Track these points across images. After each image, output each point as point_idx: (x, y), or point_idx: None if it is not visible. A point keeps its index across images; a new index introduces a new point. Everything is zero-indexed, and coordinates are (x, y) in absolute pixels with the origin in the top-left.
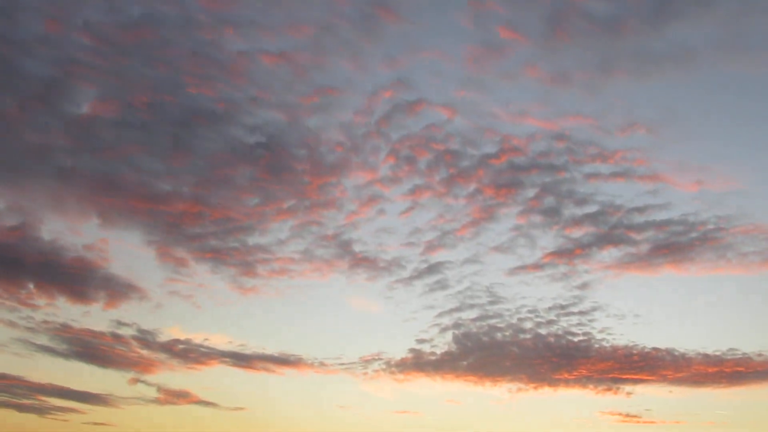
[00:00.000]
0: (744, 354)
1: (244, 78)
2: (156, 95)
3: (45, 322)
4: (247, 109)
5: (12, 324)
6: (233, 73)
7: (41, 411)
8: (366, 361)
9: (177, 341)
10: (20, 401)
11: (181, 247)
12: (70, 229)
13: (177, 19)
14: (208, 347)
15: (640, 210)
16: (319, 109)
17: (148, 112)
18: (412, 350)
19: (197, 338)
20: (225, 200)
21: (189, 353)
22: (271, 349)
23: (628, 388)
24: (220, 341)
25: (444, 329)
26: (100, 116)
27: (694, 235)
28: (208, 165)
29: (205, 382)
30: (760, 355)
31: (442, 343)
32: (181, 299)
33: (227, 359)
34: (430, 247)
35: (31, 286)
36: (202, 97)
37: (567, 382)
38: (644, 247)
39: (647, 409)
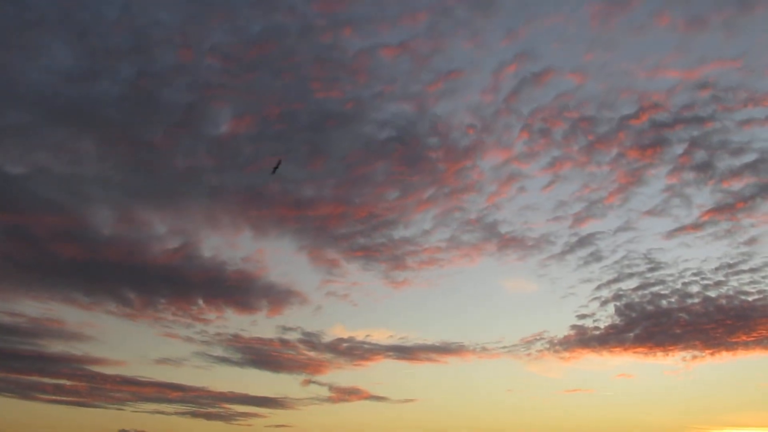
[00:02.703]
0: None
1: (367, 75)
2: (287, 105)
3: (218, 334)
4: (374, 105)
5: (189, 339)
6: (356, 72)
7: (226, 418)
8: (528, 342)
9: (341, 340)
10: (207, 410)
11: (331, 249)
12: (227, 244)
13: (296, 28)
14: (371, 343)
15: None
16: (445, 94)
17: (281, 122)
18: (573, 327)
19: (359, 335)
20: (366, 198)
21: (354, 350)
22: (431, 339)
23: None
24: (381, 336)
25: (604, 302)
26: (238, 133)
27: None
28: (345, 165)
29: (372, 377)
30: None
31: (605, 317)
32: (338, 299)
33: (391, 353)
34: (578, 218)
35: (200, 302)
36: (330, 100)
37: (747, 345)
38: None
39: None
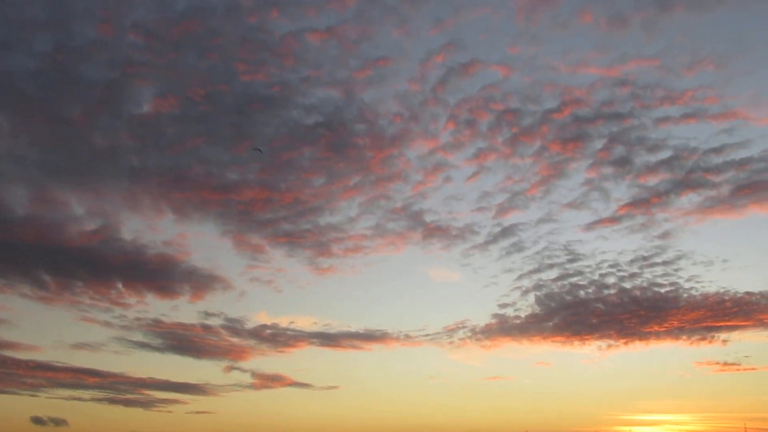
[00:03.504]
0: None
1: (294, 59)
2: (212, 86)
3: (137, 319)
4: (301, 90)
5: (108, 324)
6: (283, 55)
7: (146, 404)
8: (451, 330)
9: (264, 327)
10: (125, 396)
11: (255, 234)
12: (148, 227)
13: (222, 7)
14: (295, 330)
15: (716, 151)
16: (373, 82)
17: (206, 103)
18: (495, 315)
19: (283, 322)
20: (292, 183)
21: (277, 337)
22: (355, 327)
23: (723, 336)
24: (305, 323)
25: (525, 292)
26: (161, 113)
27: None
28: (270, 150)
29: (296, 364)
30: None
31: (525, 306)
32: (263, 285)
33: (315, 340)
34: (502, 209)
35: (120, 285)
36: (257, 83)
37: (658, 335)
38: (725, 189)
39: (746, 356)
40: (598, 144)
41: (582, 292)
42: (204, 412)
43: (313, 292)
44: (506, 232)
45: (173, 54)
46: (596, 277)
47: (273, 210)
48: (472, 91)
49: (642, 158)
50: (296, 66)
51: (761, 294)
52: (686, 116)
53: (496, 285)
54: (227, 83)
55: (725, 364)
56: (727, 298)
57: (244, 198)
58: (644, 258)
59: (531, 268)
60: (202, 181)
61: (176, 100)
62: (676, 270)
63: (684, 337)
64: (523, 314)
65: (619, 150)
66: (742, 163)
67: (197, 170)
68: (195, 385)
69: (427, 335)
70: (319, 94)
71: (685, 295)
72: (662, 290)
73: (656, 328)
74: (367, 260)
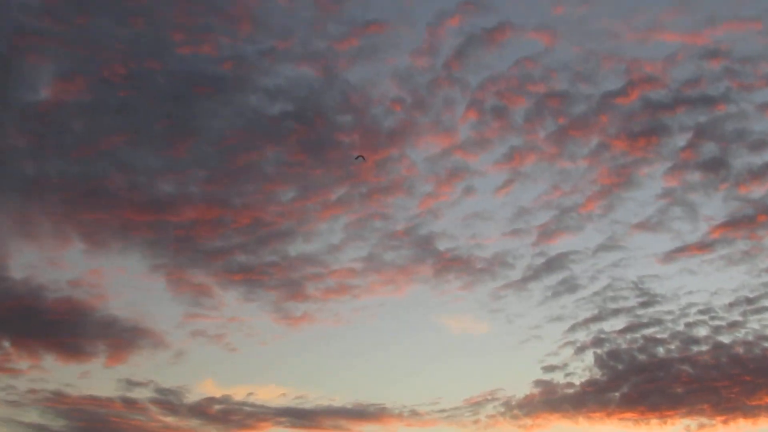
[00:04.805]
0: None
1: (252, 24)
2: (137, 63)
3: (32, 391)
4: (262, 67)
5: None
6: (237, 20)
7: None
8: (475, 404)
9: (212, 400)
10: None
11: (199, 270)
12: (47, 261)
13: None
14: (255, 405)
15: None
16: (362, 55)
17: (128, 87)
18: (539, 383)
19: (239, 393)
20: (250, 198)
21: (231, 415)
22: (341, 400)
23: None
24: (270, 395)
25: (581, 349)
26: (65, 101)
27: None
28: (220, 151)
29: None
30: None
31: (581, 369)
32: (210, 341)
33: (283, 418)
34: (546, 233)
35: (6, 344)
36: (200, 59)
37: None
38: None
39: None
40: (680, 140)
41: (661, 349)
42: None
43: (281, 350)
44: (552, 264)
45: (82, 19)
46: (681, 328)
47: (224, 235)
48: (501, 68)
49: (742, 159)
50: (255, 34)
51: None
52: None
53: (539, 339)
54: (159, 59)
55: None
56: None
57: (184, 219)
58: (749, 300)
59: (588, 315)
60: (125, 195)
61: (87, 82)
62: None
63: None
64: (577, 380)
65: (709, 148)
66: None
67: (117, 180)
68: None
69: (442, 411)
70: (288, 72)
71: None
72: None
73: None
74: (357, 305)
